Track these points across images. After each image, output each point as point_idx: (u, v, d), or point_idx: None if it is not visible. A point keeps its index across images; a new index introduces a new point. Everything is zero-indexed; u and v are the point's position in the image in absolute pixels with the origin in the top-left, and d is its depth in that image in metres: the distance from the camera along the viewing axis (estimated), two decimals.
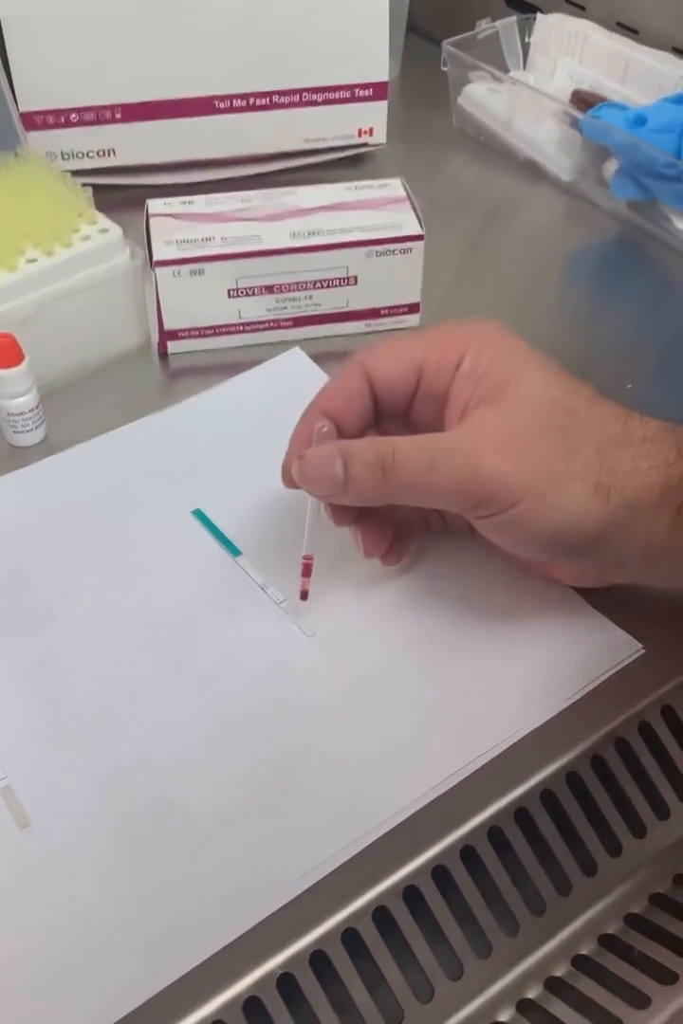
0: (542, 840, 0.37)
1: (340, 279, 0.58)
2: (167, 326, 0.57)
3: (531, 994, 0.35)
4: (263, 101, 0.70)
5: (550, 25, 0.78)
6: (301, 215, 0.58)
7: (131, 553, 0.46)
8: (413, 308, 0.60)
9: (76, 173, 0.60)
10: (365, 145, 0.74)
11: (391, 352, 0.42)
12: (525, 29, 0.80)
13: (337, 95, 0.71)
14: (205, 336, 0.58)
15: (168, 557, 0.46)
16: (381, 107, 0.73)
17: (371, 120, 0.73)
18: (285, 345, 0.58)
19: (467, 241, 0.69)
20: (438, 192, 0.73)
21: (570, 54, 0.77)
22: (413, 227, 0.57)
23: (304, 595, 0.43)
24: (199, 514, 0.48)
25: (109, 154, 0.70)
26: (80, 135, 0.69)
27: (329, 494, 0.40)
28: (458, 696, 0.40)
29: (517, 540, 0.39)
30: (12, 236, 0.54)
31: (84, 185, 0.58)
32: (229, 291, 0.57)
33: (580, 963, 0.36)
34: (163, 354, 0.59)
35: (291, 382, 0.55)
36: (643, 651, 0.42)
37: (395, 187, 0.60)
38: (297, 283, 0.57)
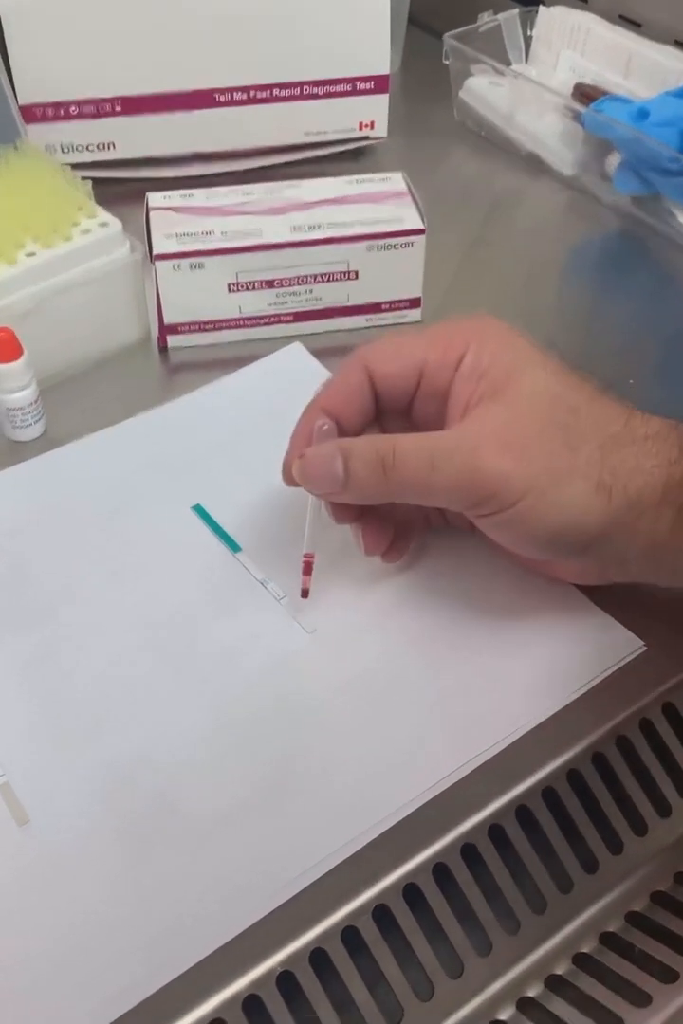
0: (543, 838, 0.37)
1: (341, 273, 0.57)
2: (167, 320, 0.57)
3: (532, 992, 0.35)
4: (264, 94, 0.70)
5: (552, 18, 0.78)
6: (302, 209, 0.58)
7: (131, 549, 0.46)
8: (414, 303, 0.60)
9: (76, 166, 0.60)
10: (366, 138, 0.74)
11: (392, 349, 0.42)
12: (527, 22, 0.80)
13: (338, 88, 0.71)
14: (205, 330, 0.58)
15: (168, 553, 0.46)
16: (382, 100, 0.72)
17: (372, 113, 0.73)
18: (285, 340, 0.58)
19: (468, 235, 0.69)
20: (439, 186, 0.72)
21: (572, 47, 0.77)
22: (414, 221, 0.57)
23: (305, 593, 0.43)
24: (199, 510, 0.48)
25: (109, 147, 0.70)
26: (80, 128, 0.69)
27: (330, 492, 0.40)
28: (459, 693, 0.40)
29: (518, 538, 0.39)
30: (11, 230, 0.54)
31: (84, 178, 0.58)
32: (229, 285, 0.57)
33: (581, 961, 0.36)
34: (163, 348, 0.58)
35: (291, 377, 0.55)
36: (645, 648, 0.41)
37: (396, 181, 0.60)
38: (298, 277, 0.57)
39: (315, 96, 0.71)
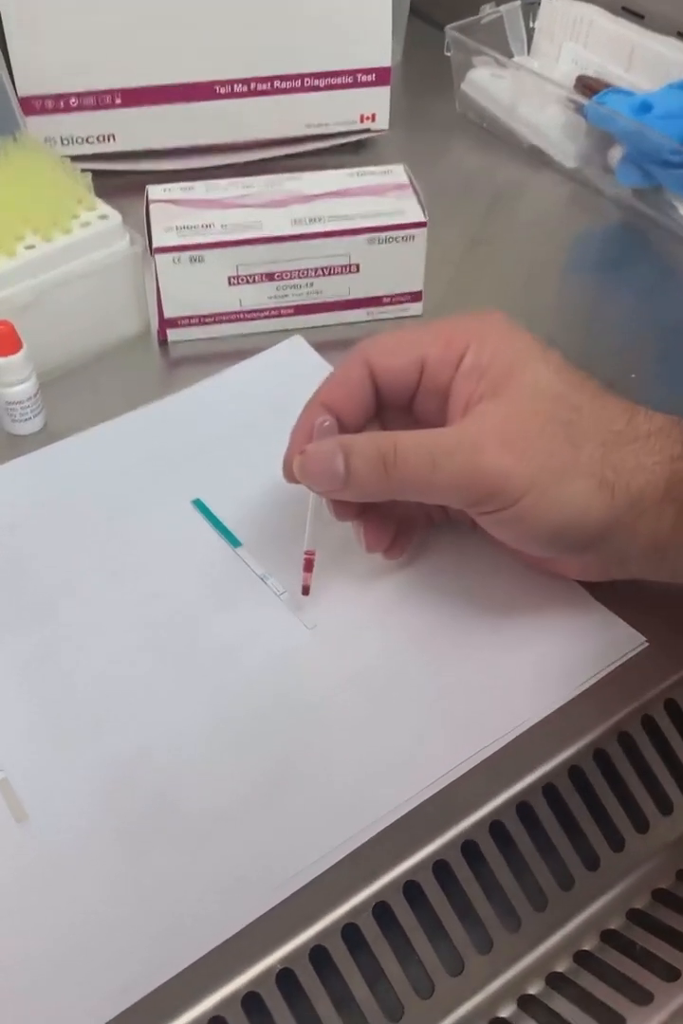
0: (544, 834, 0.37)
1: (342, 267, 0.57)
2: (167, 314, 0.57)
3: (533, 990, 0.35)
4: (264, 86, 0.70)
5: (555, 9, 0.78)
6: (303, 201, 0.58)
7: (131, 544, 0.46)
8: (415, 296, 0.60)
9: (75, 158, 0.60)
10: (367, 131, 0.74)
11: (394, 344, 0.42)
12: (529, 14, 0.80)
13: (339, 80, 0.71)
14: (205, 324, 0.58)
15: (168, 548, 0.46)
16: (384, 92, 0.72)
17: (373, 105, 0.73)
18: (286, 333, 0.58)
19: (470, 229, 0.69)
20: (441, 179, 0.72)
21: (575, 39, 0.77)
22: (416, 214, 0.57)
23: (306, 591, 0.43)
24: (199, 504, 0.47)
25: (109, 139, 0.70)
26: (80, 120, 0.68)
27: (330, 490, 0.40)
28: (460, 690, 0.40)
29: (520, 536, 0.39)
30: (11, 222, 0.54)
31: (83, 171, 0.57)
32: (230, 278, 0.56)
33: (582, 959, 0.36)
34: (163, 342, 0.58)
35: (292, 370, 0.55)
36: (646, 644, 0.41)
37: (398, 173, 0.60)
38: (298, 270, 0.57)
39: (316, 88, 0.70)
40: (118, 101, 0.68)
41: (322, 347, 0.56)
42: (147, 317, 0.58)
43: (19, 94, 0.64)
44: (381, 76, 0.71)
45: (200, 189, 0.59)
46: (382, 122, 0.74)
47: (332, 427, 0.41)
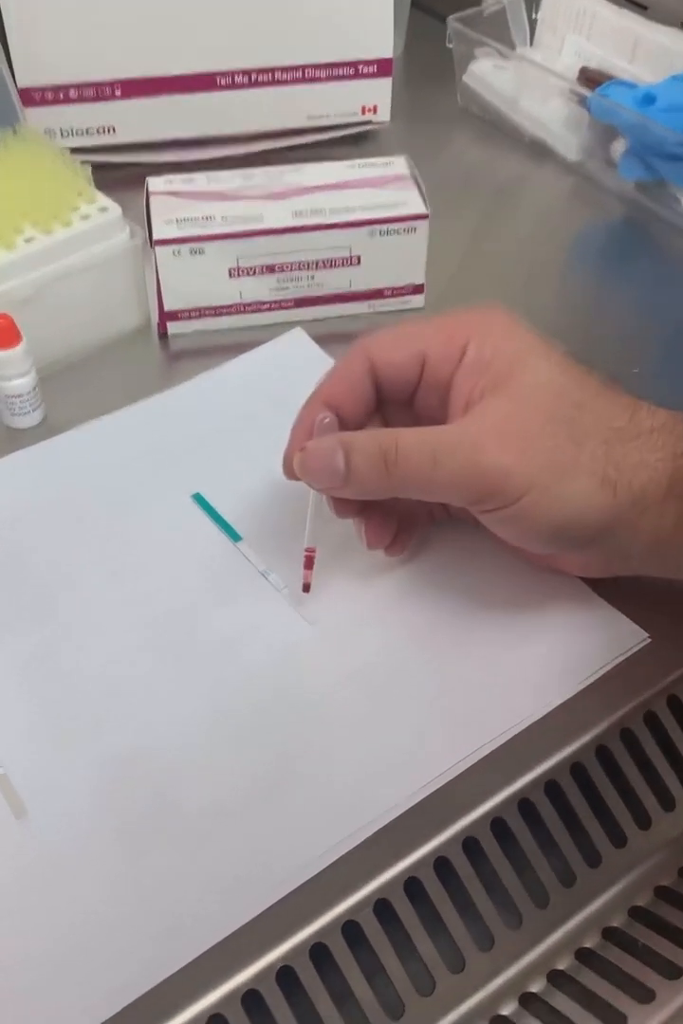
0: (545, 831, 0.37)
1: (343, 259, 0.57)
2: (167, 306, 0.57)
3: (534, 987, 0.35)
4: (265, 77, 0.69)
5: (558, 1, 0.77)
6: (304, 193, 0.57)
7: (130, 538, 0.46)
8: (417, 289, 0.59)
9: (75, 150, 0.59)
10: (369, 123, 0.73)
11: (394, 339, 0.42)
12: (532, 5, 0.79)
13: (340, 71, 0.70)
14: (206, 317, 0.58)
15: (168, 543, 0.45)
16: (385, 84, 0.72)
17: (375, 97, 0.72)
18: (287, 326, 0.58)
19: (472, 221, 0.68)
20: (442, 172, 0.72)
21: (578, 31, 0.76)
22: (418, 206, 0.57)
23: (306, 588, 0.42)
24: (199, 498, 0.47)
25: (109, 131, 0.69)
26: (79, 112, 0.68)
27: (331, 487, 0.40)
28: (462, 687, 0.40)
29: (521, 534, 0.39)
30: (10, 215, 0.53)
31: (83, 163, 0.57)
32: (230, 271, 0.56)
33: (584, 956, 0.36)
34: (163, 335, 0.58)
35: (292, 363, 0.55)
36: (649, 640, 0.41)
37: (399, 165, 0.60)
38: (299, 263, 0.56)
39: (317, 79, 0.70)
40: (118, 93, 0.68)
41: (323, 340, 0.56)
42: (147, 310, 0.58)
43: (18, 85, 0.64)
44: (383, 67, 0.71)
45: (201, 181, 0.58)
46: (383, 114, 0.73)
47: (332, 424, 0.41)
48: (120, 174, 0.67)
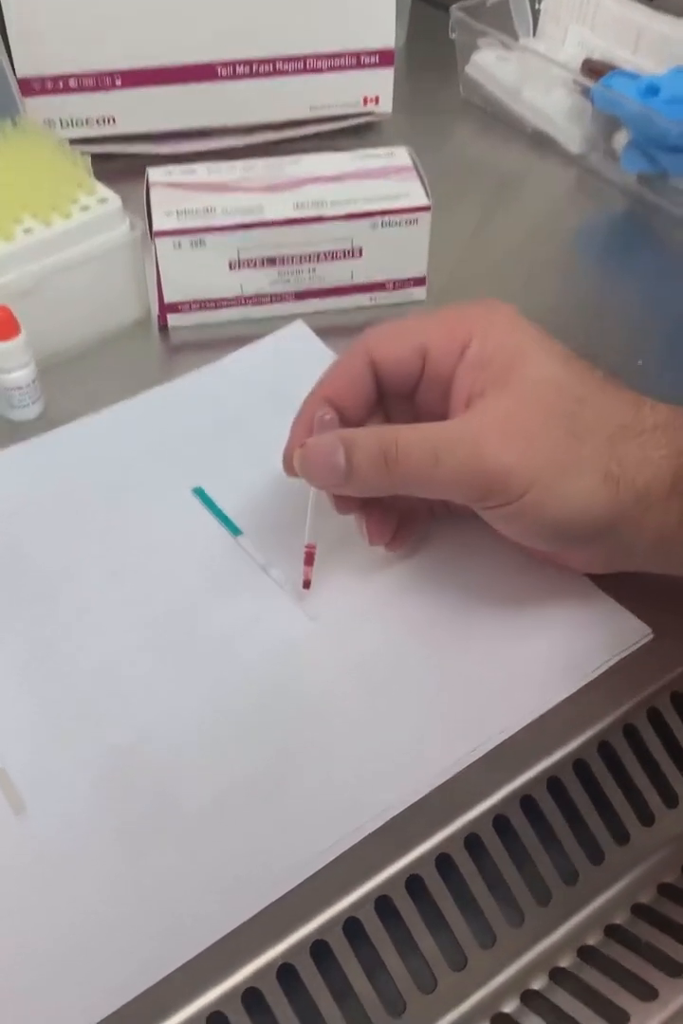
0: (548, 828, 0.37)
1: (344, 251, 0.57)
2: (167, 299, 0.56)
3: (536, 985, 0.35)
4: (266, 68, 0.69)
5: None
6: (305, 185, 0.57)
7: (130, 532, 0.45)
8: (419, 281, 0.59)
9: (75, 141, 0.59)
10: (371, 114, 0.73)
11: (396, 334, 0.41)
12: None
13: (342, 62, 0.70)
14: (206, 309, 0.57)
15: (167, 537, 0.45)
16: (387, 75, 0.71)
17: (377, 88, 0.72)
18: (288, 319, 0.57)
19: (474, 214, 0.68)
20: (444, 164, 0.71)
21: (581, 22, 0.76)
22: (420, 197, 0.56)
23: (307, 584, 0.42)
24: (199, 492, 0.47)
25: (109, 122, 0.69)
26: (79, 102, 0.68)
27: (331, 485, 0.40)
28: (463, 683, 0.39)
29: (524, 531, 0.38)
30: (9, 206, 0.53)
31: (83, 154, 0.57)
32: (231, 263, 0.56)
33: (586, 954, 0.36)
34: (163, 327, 0.58)
35: (293, 356, 0.55)
36: (652, 636, 0.41)
37: (401, 156, 0.59)
38: (300, 255, 0.56)
39: (318, 70, 0.70)
40: (118, 83, 0.67)
41: (324, 333, 0.56)
42: (147, 302, 0.58)
43: (18, 75, 0.63)
44: (385, 58, 0.71)
45: (201, 172, 0.58)
46: (385, 105, 0.73)
47: (333, 420, 0.40)
48: (120, 165, 0.66)
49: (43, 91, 0.67)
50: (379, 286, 0.59)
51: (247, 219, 0.55)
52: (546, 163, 0.74)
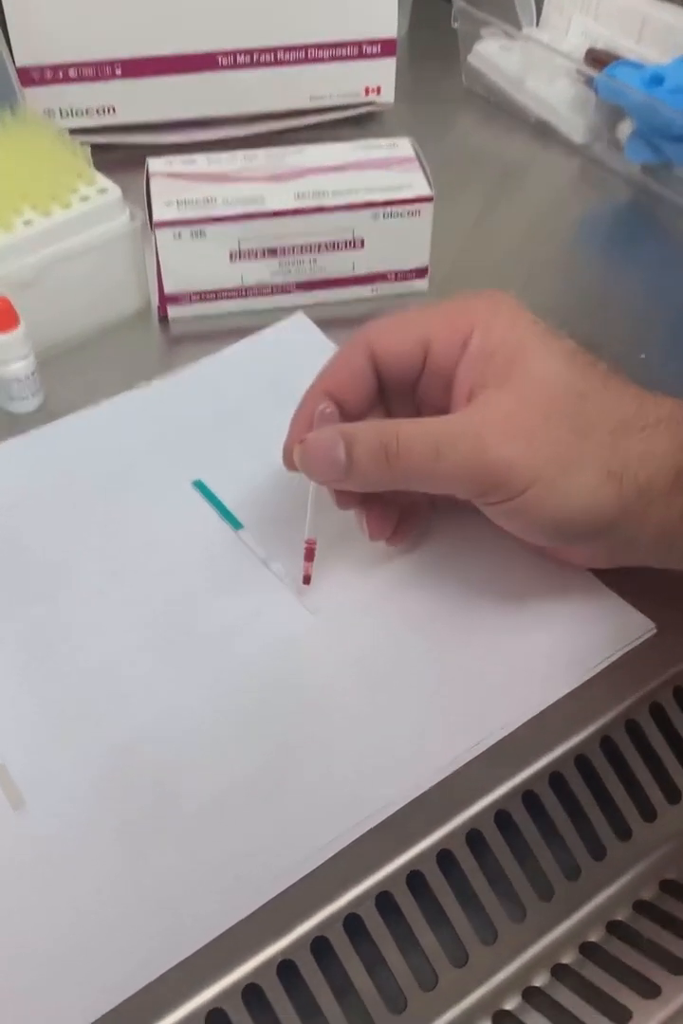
0: (550, 824, 0.36)
1: (346, 242, 0.56)
2: (168, 290, 0.56)
3: (538, 982, 0.35)
4: (268, 57, 0.68)
5: None
6: (306, 175, 0.56)
7: (130, 525, 0.45)
8: (421, 272, 0.59)
9: (75, 131, 0.59)
10: (372, 104, 0.73)
11: (397, 326, 0.41)
12: None
13: (344, 51, 0.69)
14: (206, 300, 0.57)
15: (167, 530, 0.45)
16: (389, 64, 0.71)
17: (379, 78, 0.71)
18: (289, 310, 0.57)
19: (477, 204, 0.68)
20: (447, 154, 0.71)
21: (585, 11, 0.75)
22: (422, 188, 0.56)
23: (307, 580, 0.42)
24: (200, 485, 0.47)
25: (109, 111, 0.69)
26: (79, 91, 0.67)
27: (332, 480, 0.39)
28: (465, 678, 0.39)
29: (525, 526, 0.38)
30: (9, 197, 0.53)
31: (83, 144, 0.56)
32: (231, 254, 0.55)
33: (588, 950, 0.35)
34: (163, 319, 0.57)
35: (294, 348, 0.54)
36: (655, 631, 0.41)
37: (404, 146, 0.59)
38: (301, 246, 0.56)
39: (320, 60, 0.69)
40: (118, 72, 0.67)
41: (325, 324, 0.55)
42: (147, 293, 0.58)
43: (17, 64, 0.63)
44: (387, 48, 0.70)
45: (202, 162, 0.58)
46: (387, 95, 0.72)
47: (333, 414, 0.40)
48: (120, 155, 0.66)
49: (42, 81, 0.66)
50: (381, 277, 0.58)
51: (248, 209, 0.54)
52: (549, 153, 0.73)
